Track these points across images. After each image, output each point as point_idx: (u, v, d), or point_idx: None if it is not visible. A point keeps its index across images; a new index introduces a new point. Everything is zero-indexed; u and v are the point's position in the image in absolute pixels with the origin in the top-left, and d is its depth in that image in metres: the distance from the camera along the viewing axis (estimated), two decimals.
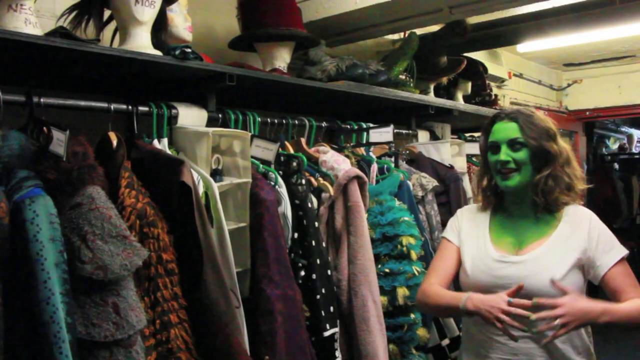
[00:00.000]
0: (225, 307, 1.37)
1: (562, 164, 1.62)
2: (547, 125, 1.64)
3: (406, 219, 1.97)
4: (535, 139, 1.60)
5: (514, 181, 1.61)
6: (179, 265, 1.36)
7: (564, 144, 1.66)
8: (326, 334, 1.71)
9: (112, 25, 1.66)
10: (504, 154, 1.61)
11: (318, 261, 1.74)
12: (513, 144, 1.61)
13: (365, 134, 2.29)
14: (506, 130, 1.63)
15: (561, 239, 1.60)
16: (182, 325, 1.32)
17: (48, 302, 1.07)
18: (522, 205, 1.66)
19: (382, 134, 2.24)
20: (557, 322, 1.42)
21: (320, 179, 1.89)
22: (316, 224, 1.78)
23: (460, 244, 1.72)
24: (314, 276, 1.73)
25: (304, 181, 1.79)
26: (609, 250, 1.58)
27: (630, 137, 8.49)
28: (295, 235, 1.73)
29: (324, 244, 1.80)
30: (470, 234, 1.71)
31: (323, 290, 1.74)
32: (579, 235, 1.59)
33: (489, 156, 1.67)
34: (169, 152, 1.54)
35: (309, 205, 1.77)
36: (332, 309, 1.76)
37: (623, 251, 1.59)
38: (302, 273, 1.72)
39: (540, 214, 1.64)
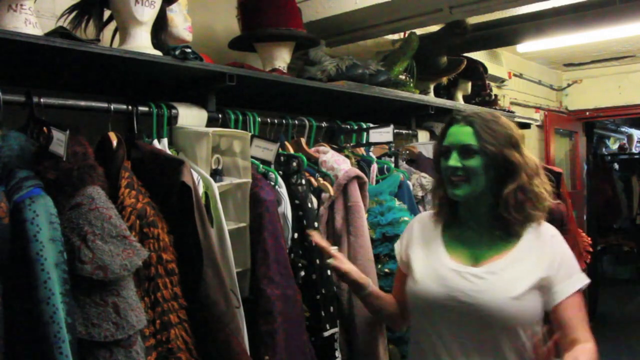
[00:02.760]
0: (225, 307, 1.37)
1: (529, 175, 1.46)
2: (509, 132, 1.47)
3: (406, 219, 1.97)
4: (494, 145, 1.43)
5: (463, 191, 1.46)
6: (178, 265, 1.36)
7: (530, 154, 1.50)
8: (326, 334, 1.72)
9: (112, 25, 1.66)
10: (454, 160, 1.46)
11: (318, 261, 1.74)
12: (465, 151, 1.45)
13: (365, 134, 2.29)
14: (459, 134, 1.48)
15: (522, 256, 1.45)
16: (182, 326, 1.32)
17: (48, 302, 1.07)
18: (479, 217, 1.51)
19: (382, 134, 2.24)
20: None
21: (320, 179, 1.89)
22: (316, 224, 1.78)
23: (408, 254, 1.60)
24: (314, 276, 1.73)
25: (304, 181, 1.80)
26: (569, 277, 1.44)
27: (630, 137, 8.50)
28: (295, 235, 1.73)
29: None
30: (422, 242, 1.59)
31: (323, 291, 1.74)
32: (541, 254, 1.45)
33: (441, 163, 1.53)
34: (169, 152, 1.54)
35: (309, 205, 1.77)
36: (332, 309, 1.76)
37: (583, 280, 1.46)
38: (302, 273, 1.73)
39: (499, 229, 1.48)
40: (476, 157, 1.45)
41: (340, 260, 1.61)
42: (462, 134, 1.47)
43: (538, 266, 1.43)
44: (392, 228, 1.94)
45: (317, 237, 1.62)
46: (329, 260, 1.59)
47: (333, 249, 1.61)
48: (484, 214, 1.50)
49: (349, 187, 1.86)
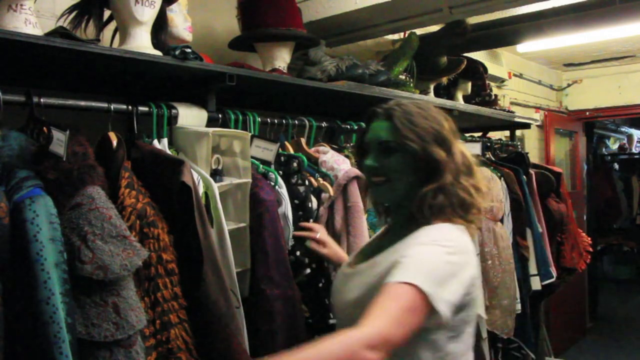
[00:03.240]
0: (225, 307, 1.37)
1: (456, 174, 1.27)
2: (436, 126, 1.29)
3: None
4: (415, 142, 1.25)
5: (382, 193, 1.31)
6: (178, 265, 1.36)
7: (462, 149, 1.33)
8: (331, 321, 1.71)
9: (112, 25, 1.66)
10: (371, 159, 1.30)
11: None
12: (383, 148, 1.29)
13: None
14: (378, 130, 1.32)
15: (384, 258, 1.27)
16: (182, 326, 1.32)
17: (48, 302, 1.07)
18: (399, 217, 1.37)
19: None
20: None
21: (320, 179, 1.89)
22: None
23: None
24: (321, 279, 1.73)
25: (304, 181, 1.79)
26: (402, 269, 1.14)
27: (630, 137, 8.50)
28: None
29: None
30: None
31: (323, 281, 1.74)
32: (396, 254, 1.22)
33: (363, 162, 1.37)
34: (169, 152, 1.54)
35: (310, 205, 1.77)
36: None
37: (417, 279, 1.11)
38: (308, 271, 1.72)
39: (408, 229, 1.27)
40: (396, 155, 1.28)
41: (321, 243, 1.61)
42: (380, 129, 1.31)
43: (385, 268, 1.22)
44: None
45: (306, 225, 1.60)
46: (307, 243, 1.57)
47: (316, 230, 1.61)
48: (404, 214, 1.32)
49: (349, 188, 1.86)
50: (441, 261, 1.17)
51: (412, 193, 1.28)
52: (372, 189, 1.35)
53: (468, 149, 2.77)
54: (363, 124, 2.27)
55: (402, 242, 1.25)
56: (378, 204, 1.46)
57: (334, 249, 1.66)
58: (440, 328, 1.18)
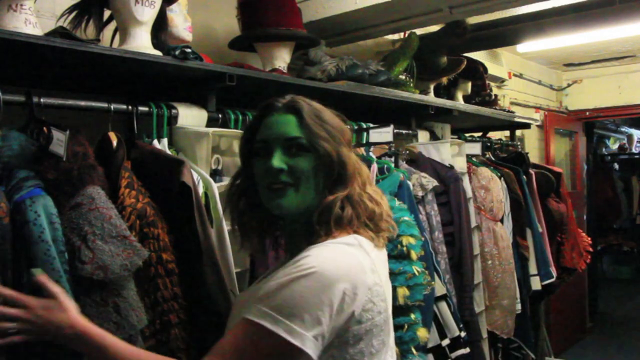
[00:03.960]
0: (225, 308, 1.37)
1: (362, 184, 1.13)
2: (342, 126, 1.16)
3: (406, 219, 1.97)
4: (328, 141, 1.10)
5: (290, 200, 1.09)
6: (178, 265, 1.36)
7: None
8: None
9: (112, 25, 1.66)
10: (278, 160, 1.09)
11: None
12: (290, 146, 1.10)
13: (365, 134, 2.29)
14: (282, 124, 1.12)
15: (265, 282, 1.08)
16: (182, 326, 1.32)
17: None
18: (292, 232, 1.17)
19: (382, 134, 2.24)
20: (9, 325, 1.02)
21: None
22: None
23: None
24: None
25: None
26: (258, 302, 0.99)
27: (630, 137, 8.50)
28: None
29: None
30: None
31: None
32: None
33: (256, 164, 1.15)
34: (169, 152, 1.54)
35: None
36: None
37: (257, 316, 0.98)
38: None
39: (302, 247, 1.08)
40: (306, 156, 1.10)
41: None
42: (285, 124, 1.11)
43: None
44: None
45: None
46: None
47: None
48: (300, 235, 1.13)
49: None
50: (308, 292, 0.98)
51: (316, 201, 1.10)
52: (273, 195, 1.10)
53: (468, 149, 2.79)
54: (363, 124, 2.28)
55: (289, 264, 1.05)
56: (262, 219, 1.20)
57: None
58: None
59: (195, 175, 1.45)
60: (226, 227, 1.49)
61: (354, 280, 1.02)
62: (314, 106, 1.14)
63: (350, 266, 1.03)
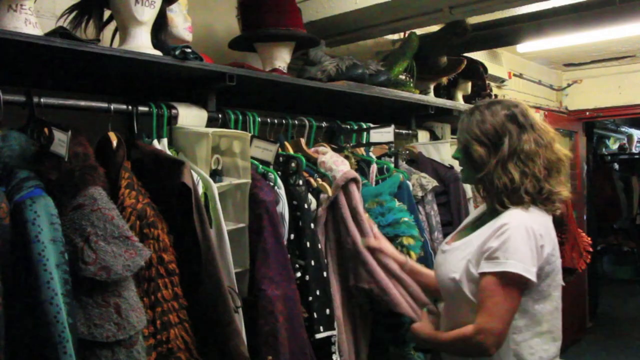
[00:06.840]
0: (225, 308, 1.37)
1: (502, 161, 1.54)
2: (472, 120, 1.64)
3: (406, 219, 1.97)
4: (461, 135, 1.62)
5: (462, 177, 1.71)
6: (178, 265, 1.36)
7: (531, 136, 1.70)
8: (318, 336, 1.69)
9: (112, 25, 1.66)
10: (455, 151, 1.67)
11: (313, 262, 1.73)
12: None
13: (365, 134, 2.29)
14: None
15: (474, 238, 1.52)
16: (182, 326, 1.32)
17: (51, 302, 1.07)
18: (486, 201, 1.65)
19: (383, 134, 2.24)
20: None
21: (319, 179, 1.89)
22: (312, 225, 1.76)
23: None
24: (307, 277, 1.72)
25: (302, 182, 1.79)
26: (493, 260, 1.43)
27: (630, 137, 8.50)
28: (292, 236, 1.72)
29: (320, 246, 1.79)
30: None
31: (317, 292, 1.72)
32: (482, 243, 1.47)
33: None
34: (169, 152, 1.54)
35: (306, 206, 1.76)
36: (327, 311, 1.73)
37: (509, 267, 1.40)
38: (299, 274, 1.71)
39: (489, 213, 1.58)
40: (458, 148, 1.66)
41: (375, 240, 1.81)
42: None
43: (473, 254, 1.49)
44: (393, 229, 1.94)
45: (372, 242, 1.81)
46: (362, 240, 1.79)
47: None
48: (485, 198, 1.64)
49: (349, 190, 1.86)
50: (523, 242, 1.42)
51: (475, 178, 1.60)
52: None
53: None
54: (363, 124, 2.28)
55: (489, 225, 1.50)
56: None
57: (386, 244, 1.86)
58: (525, 295, 1.46)
59: (194, 176, 1.45)
60: (225, 227, 1.49)
61: (549, 245, 1.51)
62: (467, 111, 1.69)
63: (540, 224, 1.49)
